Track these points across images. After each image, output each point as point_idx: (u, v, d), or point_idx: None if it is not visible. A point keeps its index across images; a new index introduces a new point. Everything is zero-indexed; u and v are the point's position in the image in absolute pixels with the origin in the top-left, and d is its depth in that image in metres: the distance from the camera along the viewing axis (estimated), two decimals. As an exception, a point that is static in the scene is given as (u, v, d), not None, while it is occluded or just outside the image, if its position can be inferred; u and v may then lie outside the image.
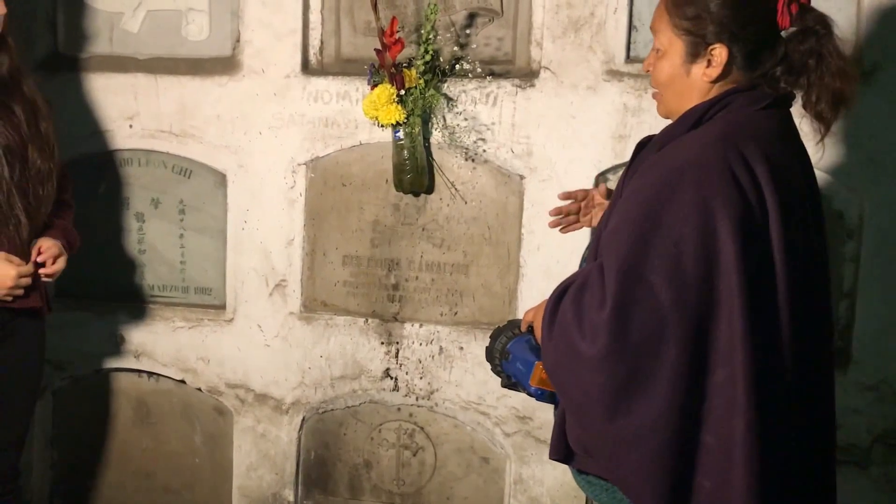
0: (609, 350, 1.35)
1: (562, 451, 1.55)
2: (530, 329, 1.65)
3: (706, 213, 1.35)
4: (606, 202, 1.88)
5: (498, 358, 1.68)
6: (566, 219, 1.94)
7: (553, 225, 1.95)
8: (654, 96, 1.59)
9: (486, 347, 1.72)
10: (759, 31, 1.47)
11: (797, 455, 1.46)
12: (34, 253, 2.11)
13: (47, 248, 2.13)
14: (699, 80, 1.49)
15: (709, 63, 1.48)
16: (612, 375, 1.36)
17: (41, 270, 2.13)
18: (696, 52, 1.48)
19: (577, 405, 1.43)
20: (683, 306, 1.34)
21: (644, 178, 1.44)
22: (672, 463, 1.39)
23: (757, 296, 1.37)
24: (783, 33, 1.49)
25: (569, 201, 1.92)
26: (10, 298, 2.07)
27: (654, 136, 1.57)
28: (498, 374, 1.71)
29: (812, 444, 1.50)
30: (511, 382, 1.66)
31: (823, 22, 1.47)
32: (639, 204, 1.40)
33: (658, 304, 1.34)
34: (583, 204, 1.92)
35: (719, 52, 1.47)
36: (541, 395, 1.57)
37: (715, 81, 1.49)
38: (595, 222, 1.90)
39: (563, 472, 2.51)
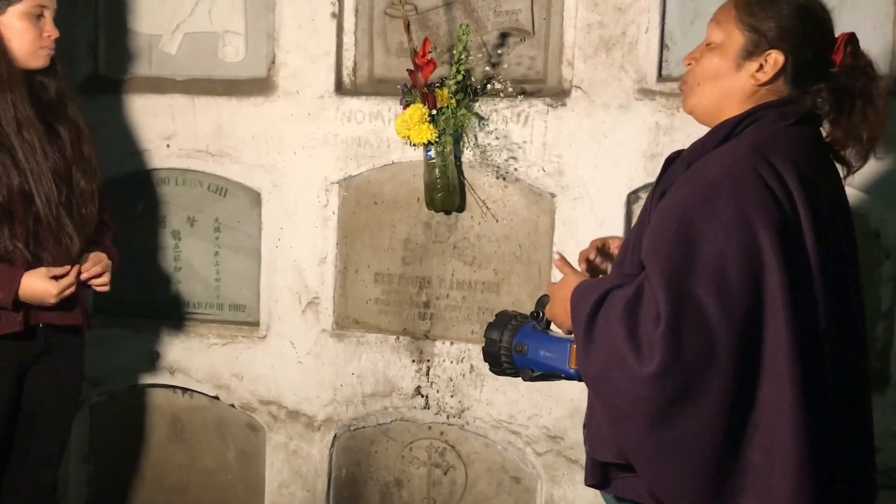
0: (664, 368, 1.33)
1: (598, 475, 1.55)
2: (527, 316, 1.63)
3: (747, 226, 1.35)
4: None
5: (505, 355, 1.63)
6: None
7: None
8: (681, 86, 1.59)
9: (485, 350, 1.66)
10: (816, 53, 1.49)
11: (839, 475, 1.43)
12: (80, 268, 2.16)
13: (98, 261, 2.18)
14: (745, 80, 1.50)
15: (760, 66, 1.48)
16: (662, 391, 1.35)
17: (93, 281, 2.18)
18: (754, 50, 1.48)
19: (618, 413, 1.42)
20: (732, 322, 1.33)
21: (679, 193, 1.44)
22: (711, 476, 1.37)
23: (798, 309, 1.36)
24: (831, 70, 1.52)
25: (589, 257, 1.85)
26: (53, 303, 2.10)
27: (682, 151, 1.57)
28: (503, 372, 1.65)
29: (852, 464, 1.48)
30: (536, 375, 1.60)
31: (872, 66, 1.51)
32: (677, 221, 1.39)
33: (707, 320, 1.33)
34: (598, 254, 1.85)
35: (775, 58, 1.48)
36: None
37: (761, 86, 1.49)
38: None
39: (595, 493, 2.48)
